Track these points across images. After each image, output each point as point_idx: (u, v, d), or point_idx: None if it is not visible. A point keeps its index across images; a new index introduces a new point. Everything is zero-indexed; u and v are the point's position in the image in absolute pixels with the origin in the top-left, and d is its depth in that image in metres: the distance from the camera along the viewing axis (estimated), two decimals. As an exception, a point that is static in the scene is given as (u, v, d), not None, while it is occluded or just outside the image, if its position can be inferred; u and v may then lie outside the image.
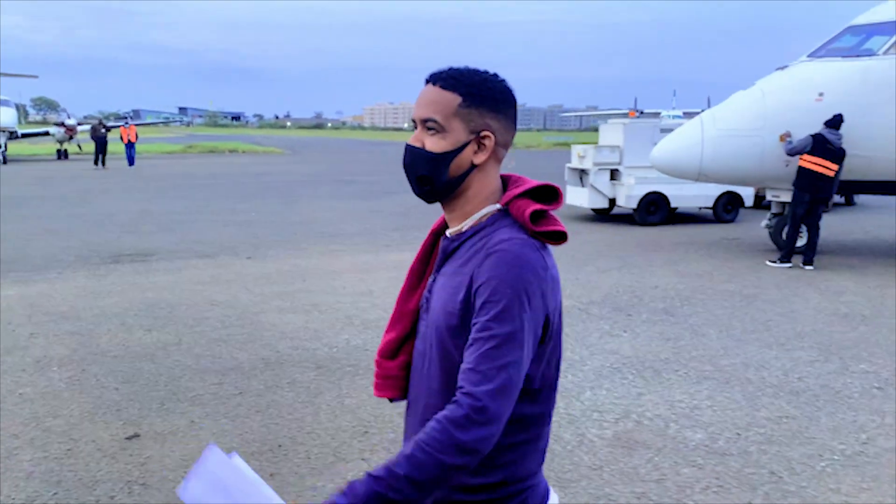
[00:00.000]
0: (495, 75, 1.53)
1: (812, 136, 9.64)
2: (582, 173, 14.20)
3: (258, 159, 38.44)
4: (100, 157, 29.43)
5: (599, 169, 13.72)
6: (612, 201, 14.03)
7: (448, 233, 1.57)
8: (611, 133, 14.11)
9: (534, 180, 1.54)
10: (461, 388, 1.37)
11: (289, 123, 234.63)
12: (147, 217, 14.30)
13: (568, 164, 14.60)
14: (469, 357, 1.38)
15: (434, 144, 1.48)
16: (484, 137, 1.49)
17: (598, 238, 12.20)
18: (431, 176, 1.50)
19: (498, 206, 1.51)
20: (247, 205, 16.64)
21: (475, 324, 1.39)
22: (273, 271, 9.23)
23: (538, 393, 1.49)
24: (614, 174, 13.84)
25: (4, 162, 30.84)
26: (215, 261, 9.92)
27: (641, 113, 58.77)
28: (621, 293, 8.19)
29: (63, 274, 9.01)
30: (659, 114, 55.25)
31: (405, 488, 1.31)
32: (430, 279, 1.58)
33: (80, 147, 36.12)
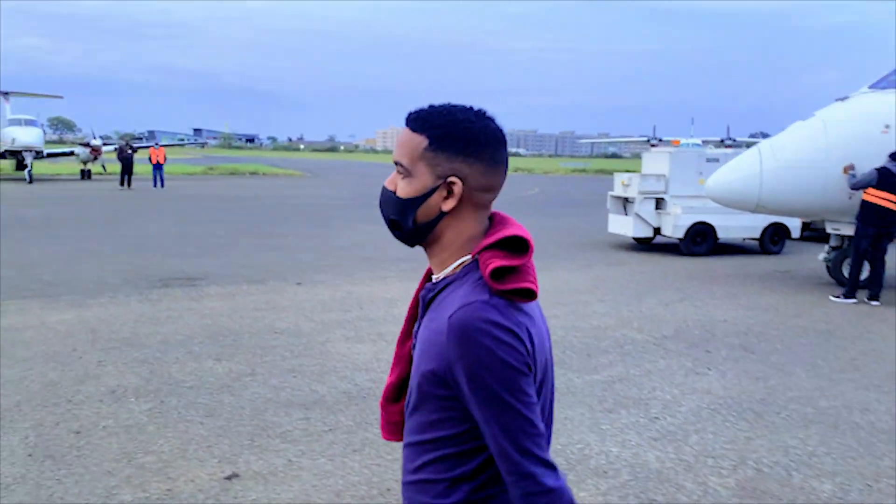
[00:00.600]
0: (477, 113, 1.42)
1: (877, 169, 9.44)
2: (626, 201, 14.03)
3: (280, 182, 38.51)
4: (126, 177, 29.50)
5: (645, 198, 13.54)
6: (657, 230, 13.83)
7: (433, 278, 1.50)
8: (656, 161, 13.95)
9: (511, 226, 1.43)
10: (509, 475, 1.34)
11: (302, 146, 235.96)
12: (187, 240, 14.20)
13: (611, 192, 14.44)
14: (487, 438, 1.34)
15: (402, 189, 1.43)
16: (451, 184, 1.40)
17: (647, 268, 11.99)
18: (399, 220, 1.45)
19: (469, 257, 1.43)
20: (282, 228, 16.53)
21: (473, 408, 1.34)
22: (327, 298, 9.06)
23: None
24: (659, 203, 13.65)
25: (30, 181, 30.96)
26: (266, 286, 9.76)
27: (660, 140, 58.71)
28: (691, 327, 7.97)
29: (116, 298, 8.87)
30: (678, 142, 55.28)
31: None
32: (416, 326, 1.53)
33: (104, 167, 36.29)
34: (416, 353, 1.45)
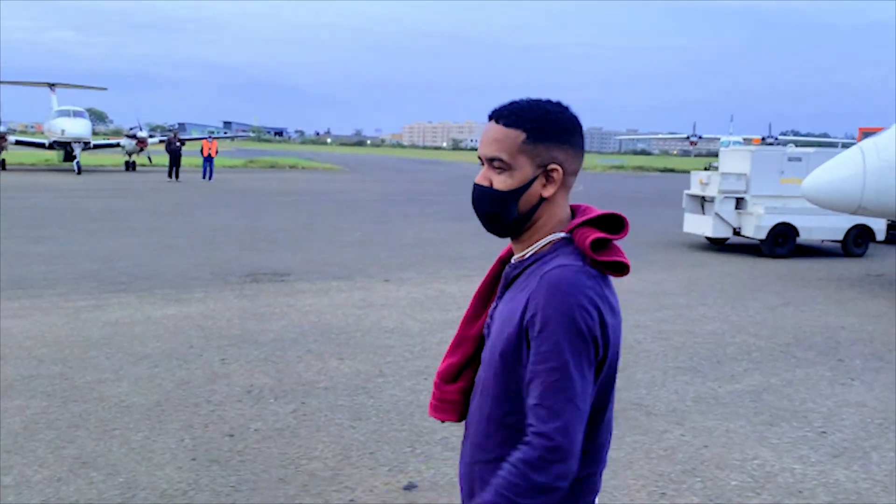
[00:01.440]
0: (558, 104, 1.51)
1: None
2: (703, 200, 13.70)
3: (321, 176, 38.45)
4: (174, 169, 29.61)
5: (725, 197, 13.20)
6: (736, 231, 13.47)
7: (512, 260, 1.56)
8: (736, 160, 13.59)
9: (600, 210, 1.52)
10: (531, 426, 1.36)
11: (329, 140, 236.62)
12: (255, 234, 14.11)
13: (687, 191, 14.11)
14: (533, 392, 1.37)
15: (501, 182, 1.47)
16: (552, 171, 1.48)
17: (732, 270, 11.67)
18: (500, 213, 1.49)
19: (562, 233, 1.49)
20: (345, 223, 16.41)
21: (532, 356, 1.38)
22: (421, 296, 8.88)
23: (591, 428, 1.46)
24: (739, 203, 13.30)
25: (79, 172, 31.20)
26: (354, 283, 9.61)
27: (700, 138, 58.06)
28: (810, 334, 7.68)
29: (210, 293, 8.77)
30: (759, 140, 54.47)
31: None
32: (493, 306, 1.57)
33: (150, 159, 36.48)
34: (494, 329, 1.49)
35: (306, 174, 39.96)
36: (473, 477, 1.53)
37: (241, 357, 6.28)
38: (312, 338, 6.93)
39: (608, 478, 4.17)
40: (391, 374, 5.92)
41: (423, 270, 10.67)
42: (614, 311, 1.44)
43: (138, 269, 10.04)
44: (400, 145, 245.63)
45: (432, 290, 9.26)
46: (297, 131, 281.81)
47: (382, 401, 5.33)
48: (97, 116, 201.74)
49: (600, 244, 1.44)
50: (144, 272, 9.88)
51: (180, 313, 7.74)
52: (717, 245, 14.30)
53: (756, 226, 12.93)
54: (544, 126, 1.46)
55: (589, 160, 72.95)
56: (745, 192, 13.19)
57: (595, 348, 1.39)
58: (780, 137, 54.75)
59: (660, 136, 73.96)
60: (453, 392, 1.64)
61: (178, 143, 29.91)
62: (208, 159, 30.36)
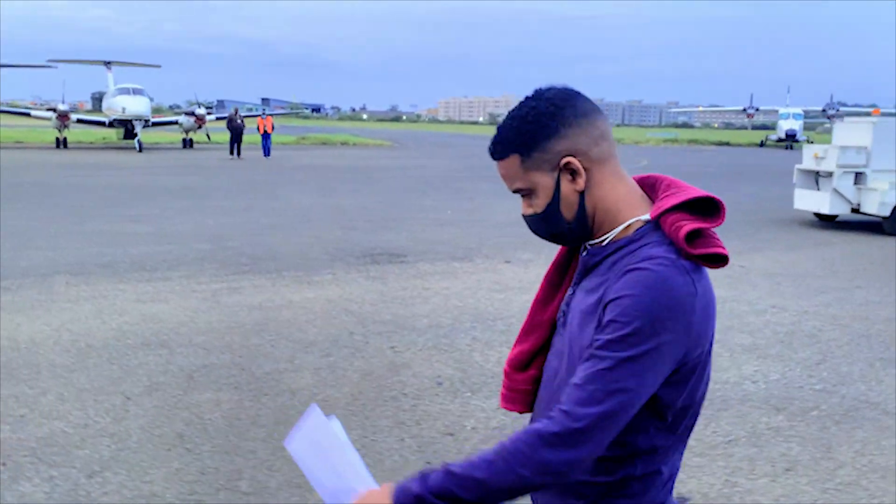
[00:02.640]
0: (531, 99, 1.40)
1: None
2: (818, 175, 13.03)
3: (374, 152, 38.12)
4: (235, 146, 29.49)
5: (844, 172, 12.52)
6: (854, 208, 12.78)
7: (589, 244, 1.44)
8: (855, 133, 12.88)
9: (690, 188, 1.37)
10: (561, 403, 1.28)
11: (365, 115, 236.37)
12: (347, 213, 13.80)
13: (798, 166, 13.44)
14: (580, 373, 1.29)
15: (537, 205, 1.42)
16: (567, 164, 1.37)
17: (861, 249, 11.03)
18: (556, 231, 1.43)
19: (646, 217, 1.37)
20: (427, 200, 16.04)
21: (596, 340, 1.29)
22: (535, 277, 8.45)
23: (671, 425, 1.37)
24: (858, 178, 12.61)
25: (140, 150, 31.28)
26: (475, 264, 9.24)
27: (757, 110, 56.46)
28: None
29: (338, 275, 8.47)
30: (878, 111, 52.79)
31: (478, 492, 1.28)
32: (569, 292, 1.47)
33: (208, 136, 36.48)
34: (573, 321, 1.40)
35: (358, 150, 39.72)
36: None
37: (409, 345, 5.96)
38: (469, 324, 6.58)
39: (887, 485, 3.75)
40: (579, 365, 5.54)
41: (541, 251, 10.24)
42: (707, 309, 1.31)
43: (253, 250, 9.78)
44: (436, 120, 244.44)
45: (562, 272, 8.82)
46: (333, 107, 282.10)
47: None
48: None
49: (695, 235, 1.31)
50: (260, 253, 9.62)
51: (319, 296, 7.45)
52: (826, 222, 13.63)
53: (880, 202, 12.24)
54: (526, 134, 1.37)
55: (640, 134, 71.59)
56: (865, 166, 12.49)
57: (676, 354, 1.28)
58: (840, 109, 52.93)
59: (717, 109, 71.92)
60: (524, 381, 1.56)
61: (239, 121, 29.74)
62: (265, 136, 30.15)
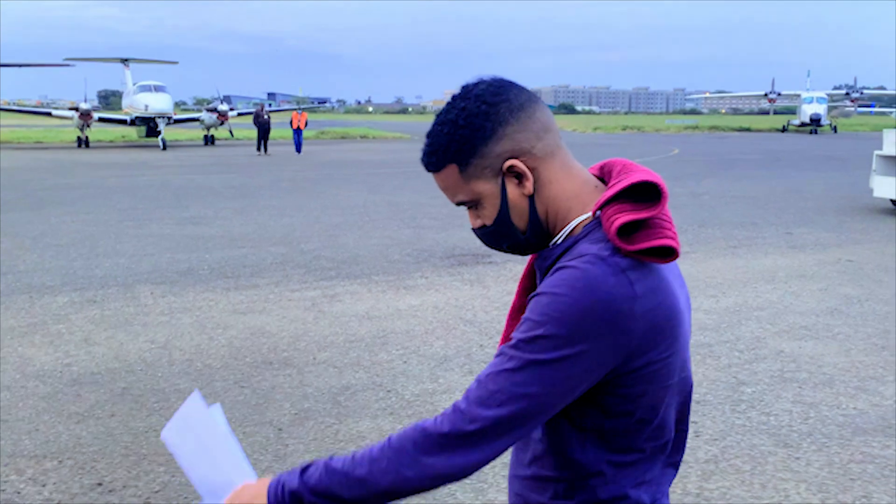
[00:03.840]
0: (459, 98, 1.25)
1: None
2: (901, 162, 12.49)
3: (396, 145, 37.57)
4: (262, 143, 29.03)
5: (932, 158, 11.97)
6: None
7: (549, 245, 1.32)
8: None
9: (634, 173, 1.22)
10: (460, 399, 1.19)
11: (371, 108, 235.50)
12: (403, 210, 13.28)
13: (878, 152, 12.89)
14: (486, 369, 1.20)
15: (486, 217, 1.30)
16: (510, 168, 1.24)
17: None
18: (511, 242, 1.31)
19: (587, 215, 1.25)
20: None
21: (510, 337, 1.19)
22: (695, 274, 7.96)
23: (628, 441, 1.24)
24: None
25: (164, 148, 30.86)
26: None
27: (779, 95, 55.70)
28: None
29: (429, 278, 8.00)
30: (799, 95, 52.18)
31: (359, 490, 1.20)
32: (529, 298, 1.27)
33: (231, 133, 36.04)
34: None
35: (380, 144, 39.24)
36: (512, 491, 1.38)
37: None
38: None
39: None
40: (760, 386, 5.07)
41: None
42: (650, 313, 1.16)
43: (331, 253, 9.32)
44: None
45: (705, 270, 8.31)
46: (338, 101, 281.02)
47: (784, 417, 4.48)
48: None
49: (630, 228, 1.17)
50: (341, 256, 9.16)
51: (425, 303, 6.99)
52: (901, 209, 13.08)
53: (971, 188, 11.71)
54: (460, 141, 1.24)
55: (659, 122, 70.72)
56: (951, 152, 11.95)
57: (604, 363, 1.15)
58: (864, 92, 52.12)
59: (736, 94, 70.92)
60: None
61: (266, 117, 29.26)
62: (297, 132, 29.66)
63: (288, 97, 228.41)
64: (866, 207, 13.38)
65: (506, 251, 1.34)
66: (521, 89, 1.27)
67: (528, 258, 1.41)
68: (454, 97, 1.28)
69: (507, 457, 1.37)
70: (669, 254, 1.17)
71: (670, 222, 1.21)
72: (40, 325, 6.31)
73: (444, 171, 1.27)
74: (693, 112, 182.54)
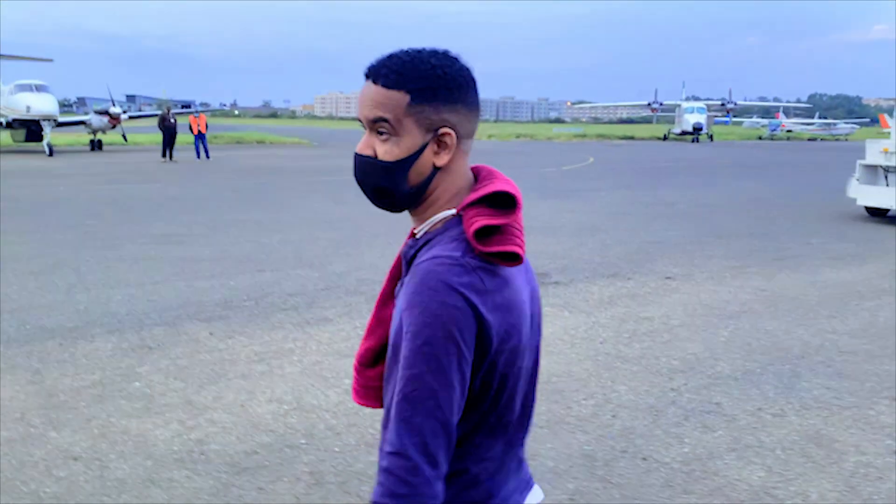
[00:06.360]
0: (445, 56, 1.32)
1: None
2: (886, 171, 12.85)
3: (305, 152, 35.74)
4: (168, 149, 26.68)
5: (918, 166, 12.37)
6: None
7: (413, 235, 1.40)
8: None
9: (498, 181, 1.34)
10: (386, 445, 1.24)
11: (237, 111, 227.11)
12: (392, 224, 12.24)
13: (861, 161, 13.22)
14: (394, 400, 1.25)
15: (387, 152, 1.31)
16: (443, 135, 1.31)
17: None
18: (389, 187, 1.33)
19: (452, 211, 1.34)
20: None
21: (401, 356, 1.26)
22: (784, 293, 7.53)
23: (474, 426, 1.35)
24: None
25: (51, 154, 27.76)
26: (639, 281, 8.16)
27: (661, 105, 58.29)
28: None
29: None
30: (679, 105, 54.82)
31: None
32: (398, 285, 1.41)
33: (125, 137, 33.04)
34: (395, 313, 1.34)
35: (285, 149, 37.33)
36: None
37: (811, 378, 4.83)
38: (832, 352, 5.56)
39: None
40: None
41: (696, 264, 9.30)
42: (500, 307, 1.27)
43: (372, 275, 8.22)
44: (314, 116, 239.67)
45: (792, 284, 7.90)
46: (202, 103, 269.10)
47: None
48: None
49: (487, 232, 1.27)
50: (379, 279, 8.07)
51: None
52: (876, 216, 13.47)
53: (957, 196, 12.17)
54: (431, 85, 1.28)
55: (547, 130, 72.23)
56: (934, 161, 12.40)
57: (467, 351, 1.23)
58: (739, 103, 55.55)
59: (620, 104, 73.94)
60: (375, 377, 1.48)
61: (172, 120, 26.94)
62: (200, 136, 27.46)
63: (150, 100, 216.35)
64: (850, 215, 13.66)
65: (370, 192, 1.36)
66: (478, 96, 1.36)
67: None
68: (444, 53, 1.31)
69: None
70: (515, 258, 1.29)
71: (521, 231, 1.32)
72: (110, 383, 4.95)
73: (393, 91, 1.28)
74: (558, 121, 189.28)
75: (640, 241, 10.65)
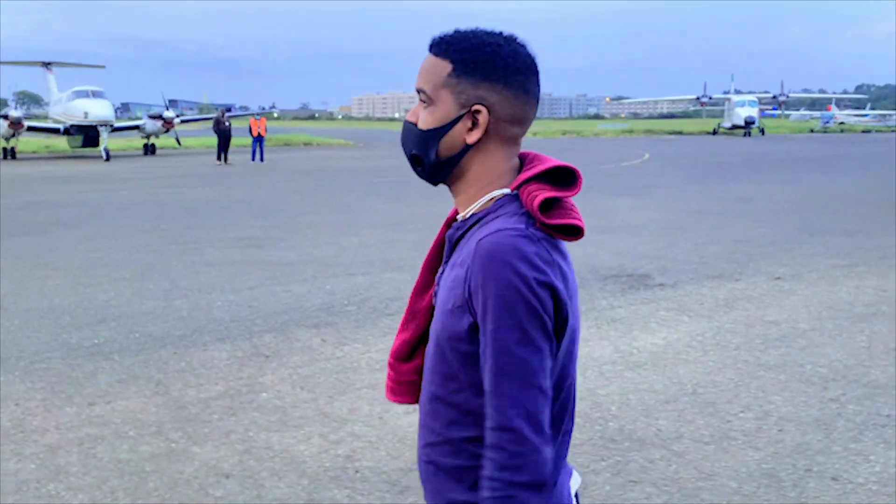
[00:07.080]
0: (504, 37, 1.32)
1: None
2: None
3: (349, 153, 35.76)
4: (223, 152, 26.83)
5: None
6: None
7: (458, 219, 1.39)
8: None
9: (552, 159, 1.33)
10: (490, 421, 1.23)
11: (276, 114, 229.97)
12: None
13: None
14: (487, 378, 1.24)
15: (424, 120, 1.34)
16: (476, 112, 1.30)
17: None
18: (420, 155, 1.35)
19: (506, 190, 1.33)
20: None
21: (481, 337, 1.24)
22: (852, 297, 7.11)
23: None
24: None
25: (107, 158, 28.11)
26: (749, 283, 7.78)
27: (710, 99, 57.15)
28: None
29: (621, 307, 6.85)
30: (729, 99, 53.67)
31: None
32: (440, 271, 1.40)
33: (178, 141, 33.36)
34: (439, 298, 1.33)
35: (332, 151, 37.43)
36: (423, 460, 1.39)
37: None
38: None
39: None
40: None
41: (804, 270, 8.89)
42: (567, 279, 1.27)
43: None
44: (351, 118, 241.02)
45: (854, 288, 7.49)
46: (241, 107, 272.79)
47: None
48: (32, 99, 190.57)
49: (550, 204, 1.27)
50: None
51: (667, 341, 5.83)
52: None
53: None
54: (475, 57, 1.28)
55: (591, 126, 71.35)
56: None
57: (547, 317, 1.22)
58: (791, 96, 54.14)
59: (663, 99, 72.83)
60: (410, 371, 1.48)
61: (227, 123, 27.10)
62: (258, 139, 27.61)
63: (191, 104, 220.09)
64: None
65: (409, 158, 1.37)
66: (538, 82, 1.33)
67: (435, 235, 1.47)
68: (508, 35, 1.32)
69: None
70: (577, 232, 1.29)
71: (576, 207, 1.32)
72: (236, 394, 4.77)
73: (440, 60, 1.31)
74: (597, 117, 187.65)
75: (731, 240, 10.23)
